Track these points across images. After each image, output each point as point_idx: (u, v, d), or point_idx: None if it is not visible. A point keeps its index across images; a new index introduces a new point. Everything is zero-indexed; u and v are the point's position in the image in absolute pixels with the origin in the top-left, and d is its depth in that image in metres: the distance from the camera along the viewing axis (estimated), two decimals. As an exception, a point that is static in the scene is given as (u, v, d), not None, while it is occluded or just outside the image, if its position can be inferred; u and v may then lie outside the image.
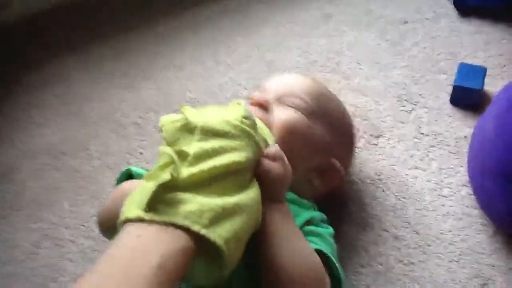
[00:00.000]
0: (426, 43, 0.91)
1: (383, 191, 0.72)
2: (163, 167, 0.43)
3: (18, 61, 1.00)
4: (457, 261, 0.65)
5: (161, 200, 0.40)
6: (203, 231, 0.39)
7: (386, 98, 0.84)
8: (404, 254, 0.66)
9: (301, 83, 0.66)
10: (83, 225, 0.73)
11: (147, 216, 0.39)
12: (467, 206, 0.70)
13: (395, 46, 0.92)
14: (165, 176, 0.40)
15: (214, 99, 0.87)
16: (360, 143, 0.78)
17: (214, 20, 1.03)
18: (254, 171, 0.48)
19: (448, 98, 0.82)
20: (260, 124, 0.52)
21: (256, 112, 0.59)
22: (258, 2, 1.05)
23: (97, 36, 1.02)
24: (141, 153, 0.81)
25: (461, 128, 0.78)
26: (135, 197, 0.41)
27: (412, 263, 0.65)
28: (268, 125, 0.56)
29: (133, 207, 0.40)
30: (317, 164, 0.63)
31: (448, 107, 0.82)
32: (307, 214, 0.58)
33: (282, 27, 0.99)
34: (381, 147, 0.78)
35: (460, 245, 0.66)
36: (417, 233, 0.68)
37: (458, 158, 0.75)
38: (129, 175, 0.62)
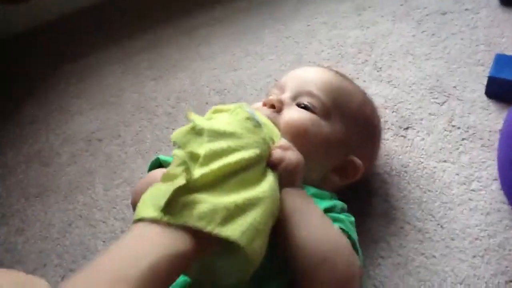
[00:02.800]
0: (464, 34, 0.88)
1: (409, 183, 0.71)
2: (177, 169, 0.45)
3: (58, 56, 1.06)
4: (481, 257, 0.62)
5: (175, 203, 0.41)
6: (216, 230, 0.41)
7: (418, 90, 0.82)
8: (426, 247, 0.64)
9: (317, 79, 0.64)
10: (115, 208, 0.77)
11: (163, 218, 0.40)
12: (496, 201, 0.67)
13: (431, 37, 0.89)
14: (180, 180, 0.42)
15: (243, 90, 0.89)
16: (387, 134, 0.77)
17: (244, 12, 1.04)
18: (267, 165, 0.49)
19: (484, 90, 0.79)
20: (267, 122, 0.54)
21: (266, 112, 0.59)
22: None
23: (130, 31, 1.06)
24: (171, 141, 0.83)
25: (496, 121, 0.75)
26: (148, 198, 0.43)
27: (434, 257, 0.63)
28: (277, 126, 0.57)
29: (147, 208, 0.42)
30: (335, 163, 0.63)
31: (483, 100, 0.79)
32: (327, 203, 0.58)
33: (313, 19, 0.98)
34: (409, 139, 0.76)
35: (486, 240, 0.64)
36: (442, 227, 0.66)
37: (490, 152, 0.72)
38: (159, 164, 0.64)
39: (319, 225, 0.50)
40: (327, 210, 0.57)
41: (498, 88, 0.77)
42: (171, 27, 1.05)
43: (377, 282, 0.62)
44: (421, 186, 0.70)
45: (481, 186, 0.69)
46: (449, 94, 0.80)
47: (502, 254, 0.62)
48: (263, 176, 0.48)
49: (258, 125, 0.50)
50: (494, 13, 0.90)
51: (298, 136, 0.58)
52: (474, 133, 0.75)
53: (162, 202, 0.41)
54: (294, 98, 0.62)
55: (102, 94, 0.95)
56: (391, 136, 0.77)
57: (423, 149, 0.74)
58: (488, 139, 0.73)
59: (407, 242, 0.65)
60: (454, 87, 0.81)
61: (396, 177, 0.72)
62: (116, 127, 0.88)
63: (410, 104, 0.80)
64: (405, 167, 0.73)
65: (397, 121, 0.78)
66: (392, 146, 0.76)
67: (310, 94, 0.62)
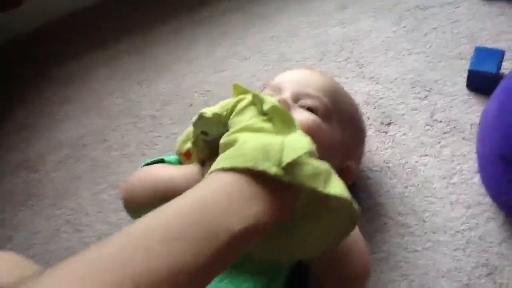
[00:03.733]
0: (445, 28, 0.89)
1: (391, 179, 0.71)
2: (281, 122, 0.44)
3: (44, 62, 1.06)
4: (463, 250, 0.63)
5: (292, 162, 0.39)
6: (326, 191, 0.39)
7: (400, 85, 0.82)
8: (408, 242, 0.65)
9: (315, 79, 0.63)
10: (101, 212, 0.77)
11: (285, 176, 0.38)
12: (477, 194, 0.67)
13: (412, 32, 0.90)
14: (308, 146, 0.41)
15: (228, 91, 0.89)
16: (370, 131, 0.77)
17: (228, 13, 1.04)
18: None
19: (465, 83, 0.79)
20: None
21: None
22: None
23: (116, 35, 1.06)
24: (156, 144, 0.84)
25: (477, 114, 0.76)
26: (253, 149, 0.39)
27: (416, 251, 0.64)
28: None
29: (261, 160, 0.38)
30: (336, 166, 0.62)
31: (465, 93, 0.79)
32: None
33: (297, 18, 0.99)
34: (391, 134, 0.76)
35: (467, 233, 0.64)
36: (424, 221, 0.66)
37: (472, 145, 0.72)
38: (161, 161, 0.64)
39: None
40: None
41: (479, 81, 0.77)
42: (157, 29, 1.05)
43: (360, 278, 0.63)
44: (402, 181, 0.71)
45: (462, 179, 0.69)
46: (431, 88, 0.81)
47: (483, 246, 0.63)
48: None
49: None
50: (475, 6, 0.91)
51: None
52: (455, 127, 0.75)
53: (284, 158, 0.38)
54: (295, 99, 0.60)
55: (88, 99, 0.95)
56: (373, 133, 0.77)
57: (404, 144, 0.75)
58: (469, 132, 0.74)
59: (390, 237, 0.66)
60: (436, 81, 0.81)
61: (378, 173, 0.72)
62: (101, 131, 0.89)
63: (391, 99, 0.81)
64: (387, 162, 0.73)
65: (378, 117, 0.79)
66: (374, 142, 0.76)
67: (311, 96, 0.60)
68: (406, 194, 0.69)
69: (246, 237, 0.33)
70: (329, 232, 0.44)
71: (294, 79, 0.63)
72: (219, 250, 0.32)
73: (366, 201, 0.70)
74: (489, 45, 0.83)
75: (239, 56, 0.95)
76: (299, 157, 0.40)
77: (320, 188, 0.39)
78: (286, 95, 0.60)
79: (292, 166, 0.39)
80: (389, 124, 0.78)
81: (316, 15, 0.98)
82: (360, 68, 0.87)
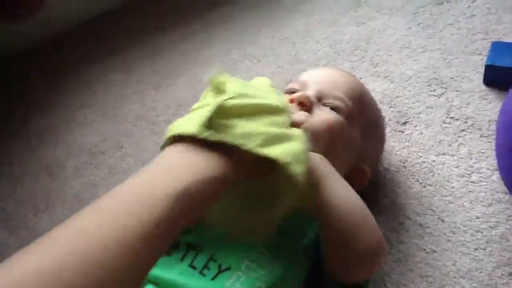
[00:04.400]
0: (460, 24, 0.87)
1: (408, 178, 0.70)
2: (207, 98, 0.45)
3: (61, 68, 1.08)
4: (483, 249, 0.62)
5: (214, 122, 0.40)
6: (257, 150, 0.40)
7: (415, 84, 0.81)
8: (427, 242, 0.64)
9: (341, 81, 0.63)
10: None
11: (203, 133, 0.39)
12: (497, 192, 0.66)
13: (427, 29, 0.89)
14: (219, 100, 0.41)
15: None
16: (386, 130, 0.76)
17: (241, 15, 1.05)
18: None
19: (482, 79, 0.78)
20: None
21: (296, 111, 0.56)
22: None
23: (131, 41, 1.07)
24: (172, 149, 0.85)
25: (495, 110, 0.74)
26: (183, 120, 0.41)
27: (435, 251, 0.63)
28: (309, 126, 0.55)
29: (184, 126, 0.40)
30: (348, 169, 0.62)
31: (482, 89, 0.78)
32: None
33: (310, 17, 0.98)
34: (407, 134, 0.75)
35: (488, 232, 0.63)
36: (442, 221, 0.65)
37: (490, 142, 0.71)
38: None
39: (349, 192, 0.51)
40: None
41: (496, 76, 0.76)
42: (171, 33, 1.06)
43: (378, 279, 0.62)
44: (420, 181, 0.70)
45: (481, 177, 0.68)
46: (447, 85, 0.79)
47: (504, 245, 0.61)
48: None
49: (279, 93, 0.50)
50: (491, 0, 0.89)
51: (328, 137, 0.56)
52: (472, 124, 0.74)
53: (202, 119, 0.39)
54: (320, 98, 0.60)
55: (104, 105, 0.96)
56: (389, 132, 0.76)
57: (421, 143, 0.74)
58: (487, 129, 0.72)
59: (408, 238, 0.65)
60: (452, 78, 0.80)
61: (395, 173, 0.71)
62: (118, 138, 0.90)
63: (407, 98, 0.80)
64: (404, 162, 0.72)
65: (394, 116, 0.78)
66: (391, 141, 0.75)
67: (336, 96, 0.60)
68: (424, 194, 0.68)
69: (189, 198, 0.34)
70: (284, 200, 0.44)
71: (321, 78, 0.63)
72: (164, 212, 0.33)
73: (383, 200, 0.69)
74: (506, 39, 0.81)
75: (252, 58, 0.95)
76: (227, 119, 0.40)
77: (250, 146, 0.39)
78: (310, 92, 0.60)
79: (217, 127, 0.40)
80: (405, 123, 0.77)
81: (329, 14, 0.98)
82: (375, 67, 0.86)
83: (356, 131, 0.62)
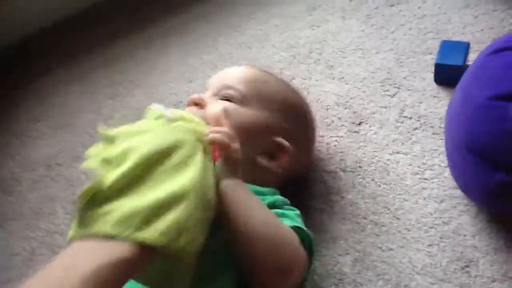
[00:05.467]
0: (412, 24, 0.89)
1: (363, 179, 0.71)
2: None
3: (14, 78, 1.06)
4: (437, 245, 0.63)
5: (90, 215, 0.41)
6: (132, 236, 0.40)
7: (369, 84, 0.82)
8: (383, 241, 0.65)
9: (234, 74, 0.69)
10: (76, 231, 0.76)
11: (79, 233, 0.41)
12: (450, 187, 0.67)
13: (380, 30, 0.90)
14: (84, 190, 0.42)
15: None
16: (341, 132, 0.77)
17: (199, 20, 1.04)
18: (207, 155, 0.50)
19: (433, 78, 0.80)
20: (188, 116, 0.54)
21: (193, 110, 0.64)
22: (242, 1, 1.05)
23: (87, 48, 1.06)
24: (130, 159, 0.84)
25: (446, 107, 0.75)
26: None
27: (391, 249, 0.64)
28: (205, 120, 0.58)
29: (72, 227, 0.42)
30: (263, 148, 0.64)
31: (433, 88, 0.79)
32: (269, 199, 0.59)
33: (266, 23, 0.99)
34: (362, 134, 0.76)
35: (441, 228, 0.64)
36: (397, 218, 0.66)
37: (442, 139, 0.72)
38: None
39: (265, 218, 0.52)
40: (270, 207, 0.57)
41: (446, 74, 0.78)
42: (128, 40, 1.05)
43: (336, 280, 0.62)
44: (375, 180, 0.71)
45: (433, 174, 0.69)
46: (400, 85, 0.81)
47: (457, 240, 0.63)
48: (187, 166, 0.46)
49: (171, 120, 0.50)
50: (441, 0, 0.91)
51: (219, 125, 0.58)
52: (425, 122, 0.75)
53: (77, 216, 0.41)
54: (216, 94, 0.66)
55: (60, 116, 0.95)
56: (345, 133, 0.77)
57: (376, 142, 0.75)
58: (439, 126, 0.74)
59: (364, 237, 0.66)
60: (404, 78, 0.82)
61: (350, 174, 0.72)
62: (74, 149, 0.88)
63: (362, 99, 0.81)
64: (359, 162, 0.73)
65: (350, 117, 0.79)
66: (346, 142, 0.76)
67: (227, 86, 0.66)
68: (379, 193, 0.69)
69: (100, 281, 0.37)
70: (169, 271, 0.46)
71: (218, 76, 0.70)
72: None
73: (339, 202, 0.69)
74: (455, 37, 0.83)
75: (209, 65, 0.94)
76: (103, 207, 0.41)
77: (126, 233, 0.40)
78: (207, 93, 0.67)
79: (89, 220, 0.41)
80: (360, 123, 0.78)
81: (285, 18, 0.98)
82: (330, 69, 0.87)
83: (253, 110, 0.64)
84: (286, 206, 0.60)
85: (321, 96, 0.83)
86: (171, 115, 0.51)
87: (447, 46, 0.79)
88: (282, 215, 0.57)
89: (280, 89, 0.70)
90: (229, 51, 0.96)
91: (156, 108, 0.53)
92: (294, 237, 0.53)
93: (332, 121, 0.79)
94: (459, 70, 0.76)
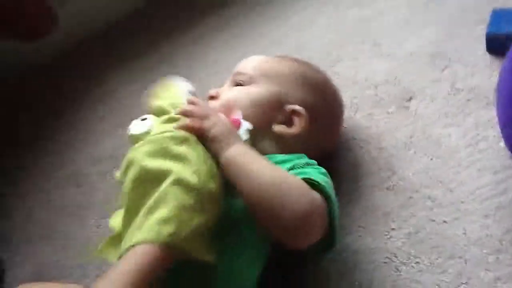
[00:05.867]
0: (462, -5, 0.87)
1: (415, 153, 0.71)
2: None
3: (80, 82, 1.13)
4: (493, 215, 0.62)
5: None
6: (127, 245, 0.48)
7: (418, 59, 0.82)
8: (436, 213, 0.64)
9: (246, 62, 0.72)
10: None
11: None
12: (505, 158, 0.66)
13: (427, 3, 0.89)
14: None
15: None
16: (391, 108, 0.77)
17: (242, 16, 1.08)
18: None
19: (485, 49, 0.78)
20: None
21: (211, 103, 0.67)
22: None
23: (144, 48, 1.11)
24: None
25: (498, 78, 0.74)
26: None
27: (445, 222, 0.64)
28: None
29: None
30: (278, 118, 0.66)
31: (487, 58, 0.77)
32: (290, 163, 0.60)
33: (312, 6, 1.00)
34: (412, 110, 0.76)
35: (496, 199, 0.63)
36: (451, 191, 0.66)
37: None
38: None
39: (267, 177, 0.53)
40: (289, 169, 0.59)
41: (499, 44, 0.75)
42: (185, 35, 1.10)
43: (389, 254, 0.63)
44: (428, 154, 0.70)
45: (487, 145, 0.68)
46: (450, 58, 0.79)
47: (514, 210, 0.62)
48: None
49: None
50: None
51: (230, 108, 0.64)
52: (478, 93, 0.74)
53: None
54: (231, 83, 0.70)
55: (123, 115, 1.00)
56: (395, 109, 0.77)
57: (427, 117, 0.74)
58: (493, 98, 0.72)
59: (417, 211, 0.66)
60: (455, 50, 0.80)
61: (402, 149, 0.72)
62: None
63: (411, 74, 0.80)
64: (411, 137, 0.73)
65: (399, 93, 0.78)
66: (397, 118, 0.76)
67: (238, 73, 0.70)
68: (431, 166, 0.69)
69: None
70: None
71: (236, 67, 0.73)
72: None
73: (391, 177, 0.70)
74: (507, 5, 0.80)
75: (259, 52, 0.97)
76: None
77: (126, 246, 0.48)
78: (226, 85, 0.71)
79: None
80: (410, 99, 0.77)
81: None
82: (377, 47, 0.87)
83: (259, 86, 0.67)
84: (309, 166, 0.60)
85: (369, 74, 0.83)
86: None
87: (498, 15, 0.77)
88: (300, 174, 0.57)
89: (293, 66, 0.71)
90: (278, 38, 0.98)
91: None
92: (302, 186, 0.53)
93: (382, 98, 0.79)
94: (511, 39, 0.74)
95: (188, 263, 0.50)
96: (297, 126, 0.66)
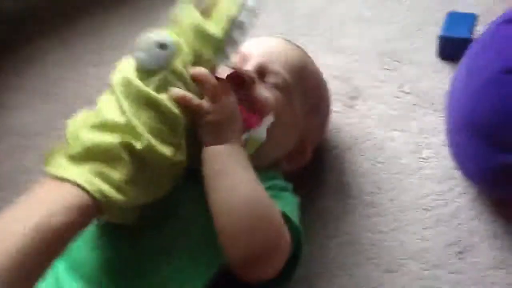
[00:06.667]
0: (418, -5, 0.83)
1: (357, 156, 0.66)
2: None
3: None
4: (432, 228, 0.58)
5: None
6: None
7: (368, 57, 0.77)
8: (374, 223, 0.60)
9: (283, 54, 0.59)
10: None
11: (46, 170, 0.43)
12: (448, 168, 0.63)
13: (383, 1, 0.84)
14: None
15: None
16: (336, 106, 0.72)
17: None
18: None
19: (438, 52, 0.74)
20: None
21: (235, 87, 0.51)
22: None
23: (69, 15, 1.00)
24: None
25: (449, 83, 0.71)
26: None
27: (382, 232, 0.59)
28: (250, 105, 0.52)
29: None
30: (290, 148, 0.59)
31: (437, 62, 0.74)
32: (267, 183, 0.53)
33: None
34: (358, 109, 0.71)
35: (437, 211, 0.60)
36: (390, 200, 0.62)
37: (443, 117, 0.67)
38: None
39: (243, 189, 0.46)
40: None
41: (451, 48, 0.72)
42: (114, 9, 0.99)
43: (322, 263, 0.58)
44: (370, 158, 0.66)
45: (432, 153, 0.65)
46: (401, 59, 0.76)
47: (455, 224, 0.58)
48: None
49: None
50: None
51: (264, 105, 0.53)
52: (425, 98, 0.70)
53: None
54: (259, 71, 0.56)
55: (42, 86, 0.89)
56: (340, 107, 0.72)
57: (372, 118, 0.70)
58: (441, 103, 0.68)
59: (355, 219, 0.61)
60: (405, 51, 0.77)
61: (343, 150, 0.67)
62: (54, 120, 0.83)
63: (359, 72, 0.76)
64: (355, 138, 0.68)
65: (345, 91, 0.73)
66: (342, 118, 0.71)
67: (273, 70, 0.56)
68: (372, 172, 0.65)
69: (48, 227, 0.38)
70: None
71: (262, 50, 0.59)
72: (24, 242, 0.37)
73: (330, 180, 0.65)
74: (463, 10, 0.77)
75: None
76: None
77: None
78: (251, 69, 0.56)
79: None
80: (356, 98, 0.73)
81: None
82: (328, 41, 0.81)
83: (296, 109, 0.58)
84: (284, 192, 0.54)
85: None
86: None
87: (454, 18, 0.73)
88: (275, 197, 0.51)
89: (320, 84, 0.64)
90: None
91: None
92: (277, 218, 0.47)
93: (328, 95, 0.74)
94: (465, 43, 0.70)
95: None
96: (296, 165, 0.60)
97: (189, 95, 0.46)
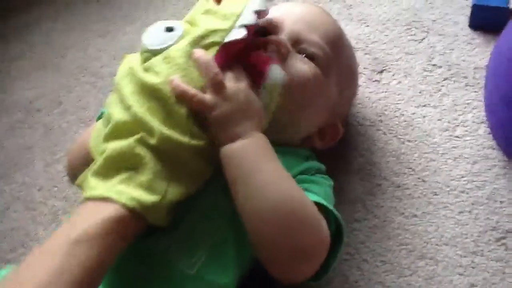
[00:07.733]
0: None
1: (385, 134, 0.62)
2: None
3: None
4: (469, 212, 0.55)
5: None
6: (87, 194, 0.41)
7: (393, 27, 0.72)
8: (406, 206, 0.56)
9: (320, 23, 0.54)
10: (56, 186, 0.68)
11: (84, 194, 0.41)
12: (484, 147, 0.58)
13: (407, -34, 0.79)
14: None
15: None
16: (360, 80, 0.67)
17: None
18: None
19: (468, 22, 0.69)
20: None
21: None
22: None
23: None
24: (118, 105, 0.74)
25: (482, 56, 0.66)
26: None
27: (415, 216, 0.55)
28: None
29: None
30: (323, 124, 0.54)
31: (467, 33, 0.69)
32: (302, 166, 0.50)
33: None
34: (384, 83, 0.67)
35: (474, 193, 0.56)
36: (423, 181, 0.58)
37: (477, 92, 0.63)
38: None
39: (270, 192, 0.41)
40: (300, 173, 0.49)
41: (484, 18, 0.67)
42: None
43: (351, 249, 0.54)
44: (399, 136, 0.62)
45: (466, 131, 0.60)
46: (428, 29, 0.71)
47: (492, 207, 0.54)
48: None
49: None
50: None
51: (303, 93, 0.49)
52: (457, 72, 0.65)
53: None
54: (294, 42, 0.51)
55: (45, 55, 0.84)
56: (364, 82, 0.67)
57: (400, 93, 0.65)
58: (474, 77, 0.64)
59: (385, 201, 0.57)
60: (434, 20, 0.71)
61: (370, 128, 0.63)
62: (57, 93, 0.78)
63: (384, 43, 0.70)
64: (380, 115, 0.64)
65: (370, 64, 0.69)
66: (366, 92, 0.66)
67: (313, 42, 0.51)
68: (402, 151, 0.60)
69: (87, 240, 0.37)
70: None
71: (296, 17, 0.53)
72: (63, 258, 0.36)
73: (357, 160, 0.60)
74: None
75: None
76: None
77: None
78: (284, 37, 0.50)
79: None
80: (381, 71, 0.68)
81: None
82: (348, 9, 0.76)
83: (332, 84, 0.53)
84: (318, 175, 0.50)
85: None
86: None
87: (487, -15, 0.68)
88: (310, 182, 0.47)
89: (353, 59, 0.60)
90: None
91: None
92: (312, 215, 0.42)
93: (349, 68, 0.69)
94: (501, 12, 0.66)
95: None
96: (328, 143, 0.56)
97: (190, 90, 0.42)
